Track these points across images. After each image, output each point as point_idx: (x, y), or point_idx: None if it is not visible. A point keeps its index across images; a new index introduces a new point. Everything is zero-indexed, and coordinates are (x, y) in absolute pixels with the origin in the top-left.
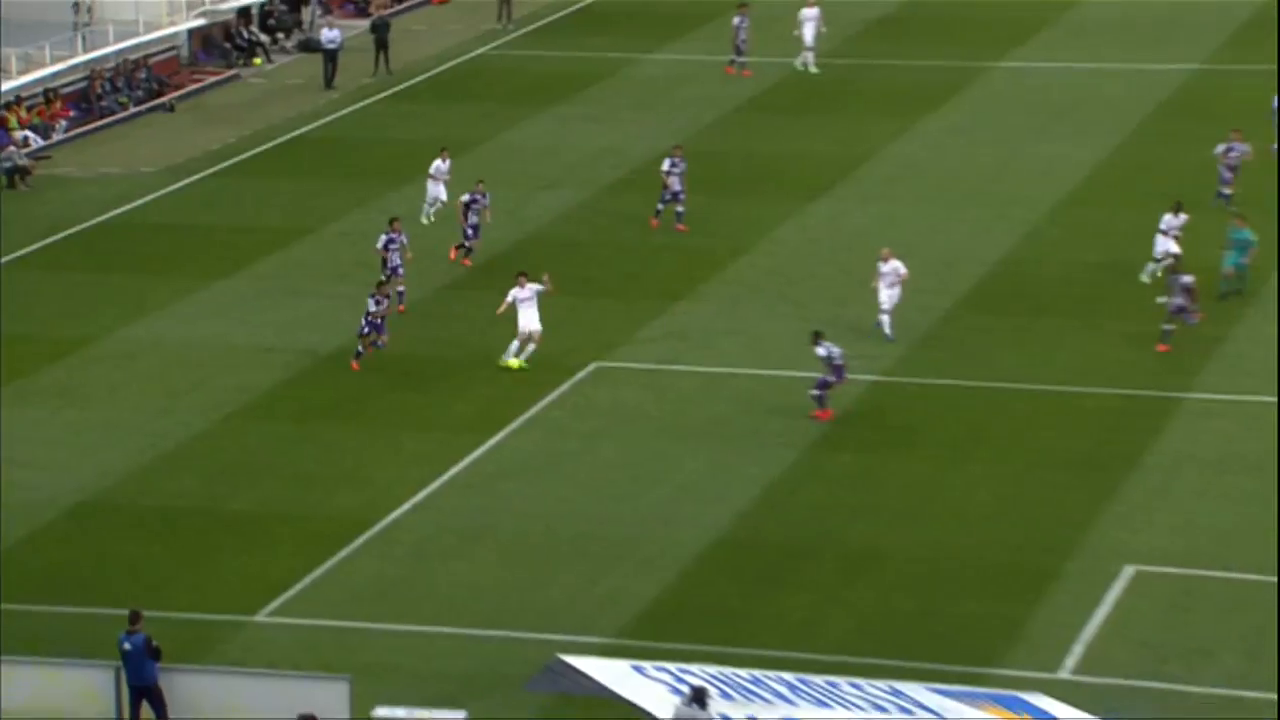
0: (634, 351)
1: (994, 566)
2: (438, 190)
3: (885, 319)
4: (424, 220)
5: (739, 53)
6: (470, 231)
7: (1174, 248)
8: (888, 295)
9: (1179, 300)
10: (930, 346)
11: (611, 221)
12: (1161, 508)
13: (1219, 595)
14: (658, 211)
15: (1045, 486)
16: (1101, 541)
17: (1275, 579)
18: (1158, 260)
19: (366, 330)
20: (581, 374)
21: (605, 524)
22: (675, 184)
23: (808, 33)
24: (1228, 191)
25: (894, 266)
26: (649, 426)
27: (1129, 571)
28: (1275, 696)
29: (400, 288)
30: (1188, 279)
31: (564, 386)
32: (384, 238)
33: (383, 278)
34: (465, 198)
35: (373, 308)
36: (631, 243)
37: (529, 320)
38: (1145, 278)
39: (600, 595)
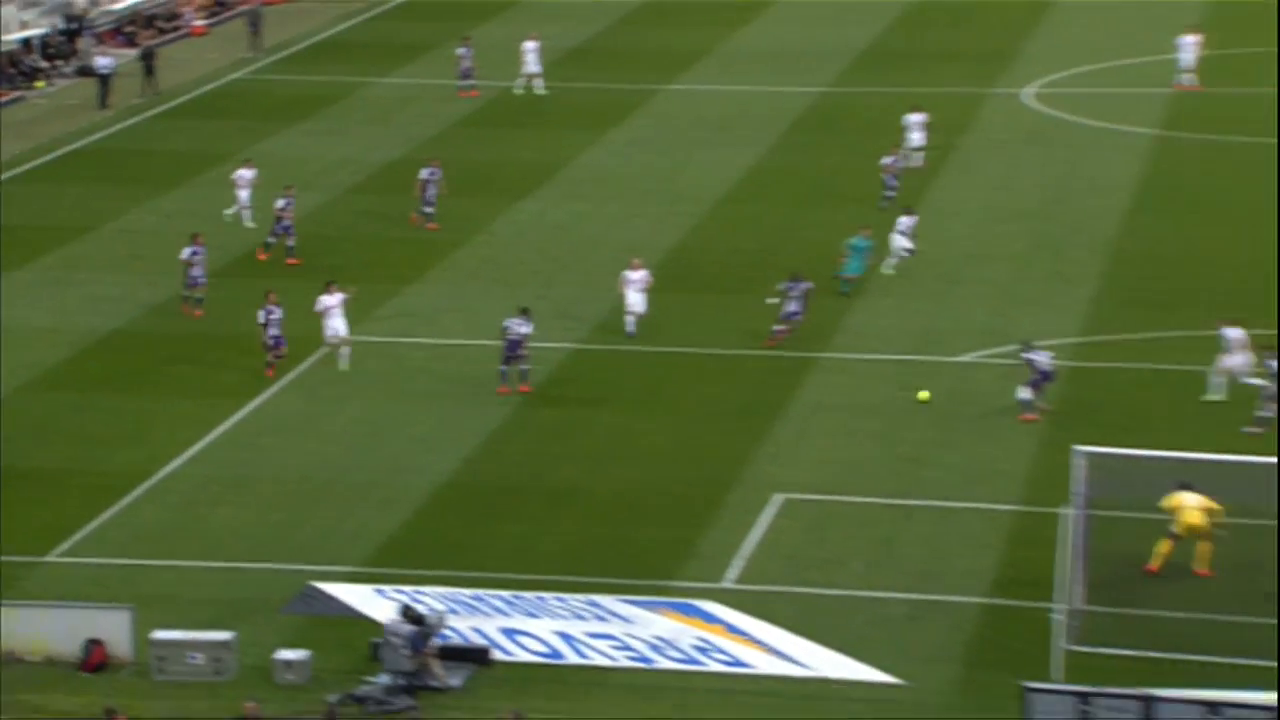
0: (373, 327)
1: (671, 499)
2: (244, 195)
3: (631, 319)
4: (247, 224)
5: (465, 78)
6: (281, 231)
7: (908, 243)
8: (636, 299)
9: (794, 307)
10: (616, 319)
11: (352, 219)
12: (803, 446)
13: (848, 516)
14: (421, 212)
15: (711, 432)
16: (756, 476)
17: (901, 501)
18: (899, 256)
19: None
20: (327, 347)
21: (350, 472)
22: (431, 191)
23: (530, 61)
24: (891, 195)
25: (642, 275)
26: (386, 390)
27: (778, 499)
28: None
29: (200, 295)
30: (806, 285)
31: (313, 358)
32: (188, 250)
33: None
34: (279, 203)
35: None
36: (368, 236)
37: (336, 327)
38: (888, 270)
39: (347, 532)
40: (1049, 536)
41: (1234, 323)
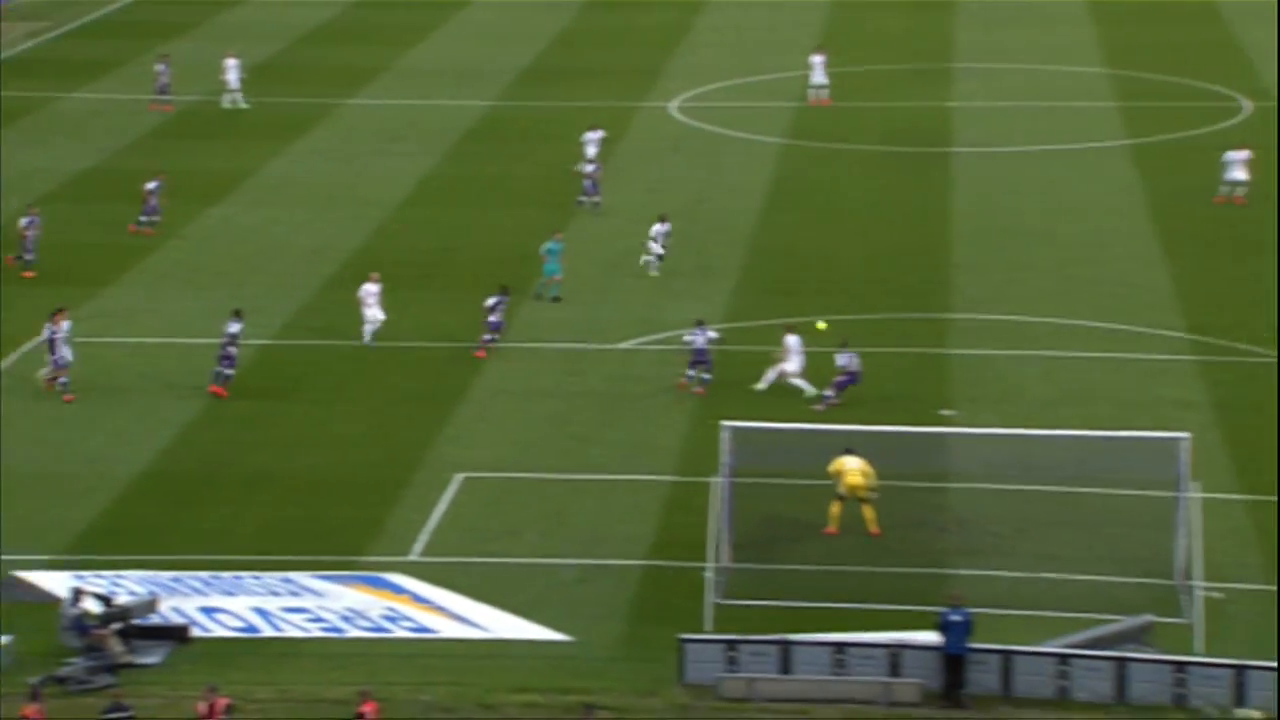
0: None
1: (360, 481)
2: None
3: (369, 329)
4: None
5: (162, 93)
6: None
7: (659, 249)
8: (373, 310)
9: (497, 318)
10: (305, 317)
11: (54, 226)
12: (482, 429)
13: (524, 491)
14: (139, 221)
15: (397, 418)
16: (439, 457)
17: (571, 476)
18: (654, 258)
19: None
20: (28, 345)
21: (49, 464)
22: (154, 200)
23: (231, 76)
24: (588, 200)
25: (379, 288)
26: (84, 387)
27: (459, 478)
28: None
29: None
30: (507, 297)
31: (18, 352)
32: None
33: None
34: (23, 220)
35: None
36: (66, 241)
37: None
38: (653, 271)
39: (46, 522)
40: (701, 504)
41: (791, 329)
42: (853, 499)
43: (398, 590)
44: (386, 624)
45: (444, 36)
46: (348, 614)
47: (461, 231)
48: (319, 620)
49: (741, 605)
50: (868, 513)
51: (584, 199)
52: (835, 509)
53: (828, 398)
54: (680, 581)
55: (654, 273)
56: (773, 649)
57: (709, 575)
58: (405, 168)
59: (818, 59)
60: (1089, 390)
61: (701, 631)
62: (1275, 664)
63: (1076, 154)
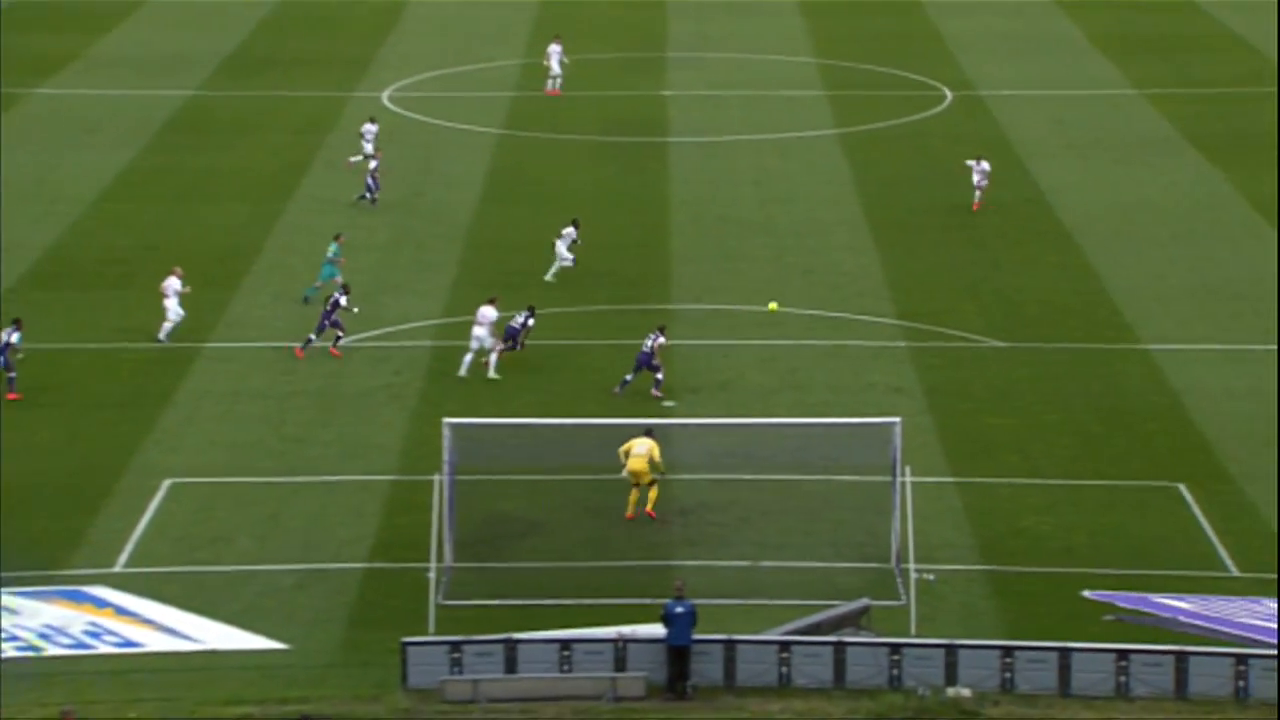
0: None
1: (59, 490)
2: None
3: (168, 326)
4: None
5: None
6: None
7: (566, 254)
8: (174, 306)
9: (334, 321)
10: None
11: None
12: (189, 432)
13: (236, 496)
14: None
15: (99, 424)
16: (145, 463)
17: (286, 478)
18: (561, 265)
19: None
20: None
21: None
22: None
23: None
24: (366, 195)
25: (174, 283)
26: None
27: (166, 484)
28: None
29: None
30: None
31: None
32: None
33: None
34: None
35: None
36: None
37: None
38: (549, 277)
39: None
40: (423, 503)
41: (491, 302)
42: (644, 484)
43: (100, 604)
44: (89, 640)
45: (139, 22)
46: (46, 631)
47: (163, 228)
48: (14, 639)
49: (465, 606)
50: (651, 494)
51: (366, 195)
52: (633, 495)
53: (626, 381)
54: (402, 583)
55: (550, 278)
56: (497, 649)
57: (431, 576)
58: (102, 161)
59: (554, 48)
60: (805, 378)
61: (424, 634)
62: (987, 643)
63: (789, 143)
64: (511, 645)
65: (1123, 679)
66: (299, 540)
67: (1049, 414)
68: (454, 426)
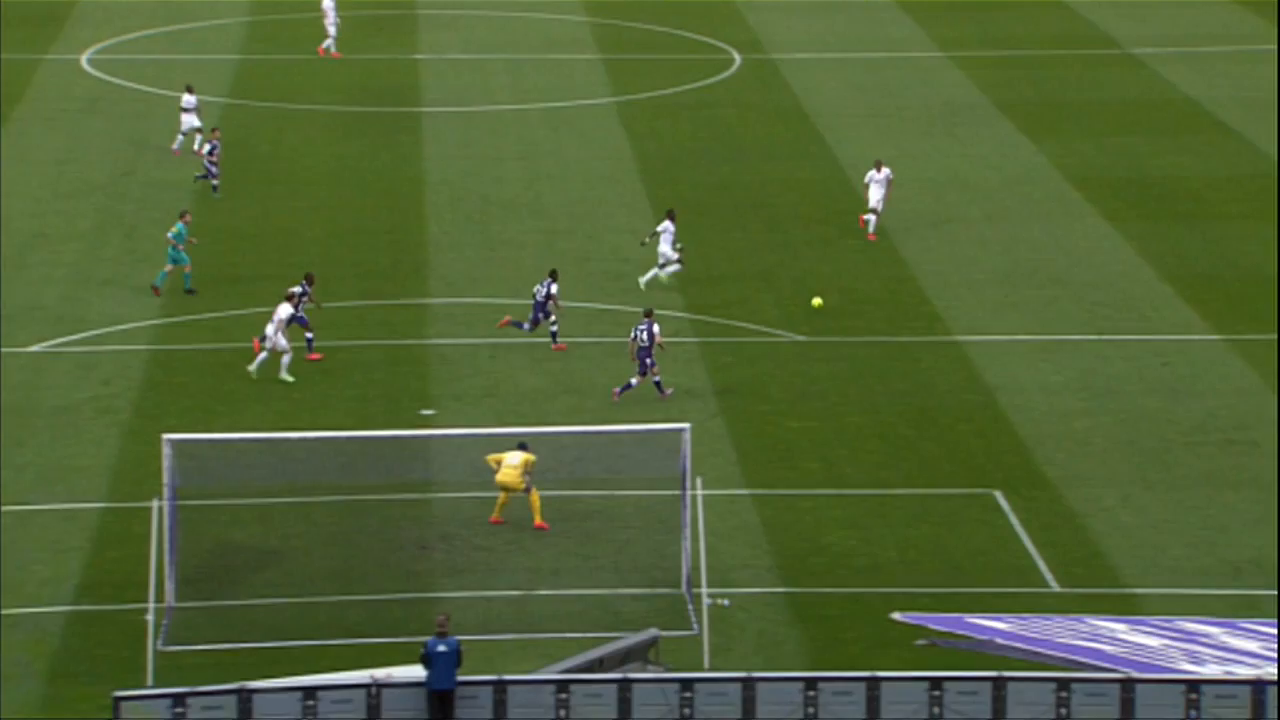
0: None
1: None
2: None
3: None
4: None
5: None
6: None
7: (672, 253)
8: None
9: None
10: None
11: None
12: None
13: None
14: None
15: None
16: None
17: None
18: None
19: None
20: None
21: None
22: None
23: None
24: (213, 181)
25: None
26: None
27: None
28: None
29: None
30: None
31: None
32: None
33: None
34: None
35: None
36: None
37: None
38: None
39: None
40: (139, 533)
41: (289, 299)
42: (517, 497)
43: None
44: None
45: None
46: None
47: None
48: None
49: (191, 651)
50: (534, 500)
51: (209, 178)
52: (502, 498)
53: (630, 384)
54: (114, 628)
55: (646, 283)
56: (229, 700)
57: (149, 618)
58: None
59: (328, 3)
60: (583, 380)
61: (142, 686)
62: (788, 674)
63: (559, 112)
64: (246, 696)
65: (936, 709)
66: None
67: (853, 416)
68: (175, 443)
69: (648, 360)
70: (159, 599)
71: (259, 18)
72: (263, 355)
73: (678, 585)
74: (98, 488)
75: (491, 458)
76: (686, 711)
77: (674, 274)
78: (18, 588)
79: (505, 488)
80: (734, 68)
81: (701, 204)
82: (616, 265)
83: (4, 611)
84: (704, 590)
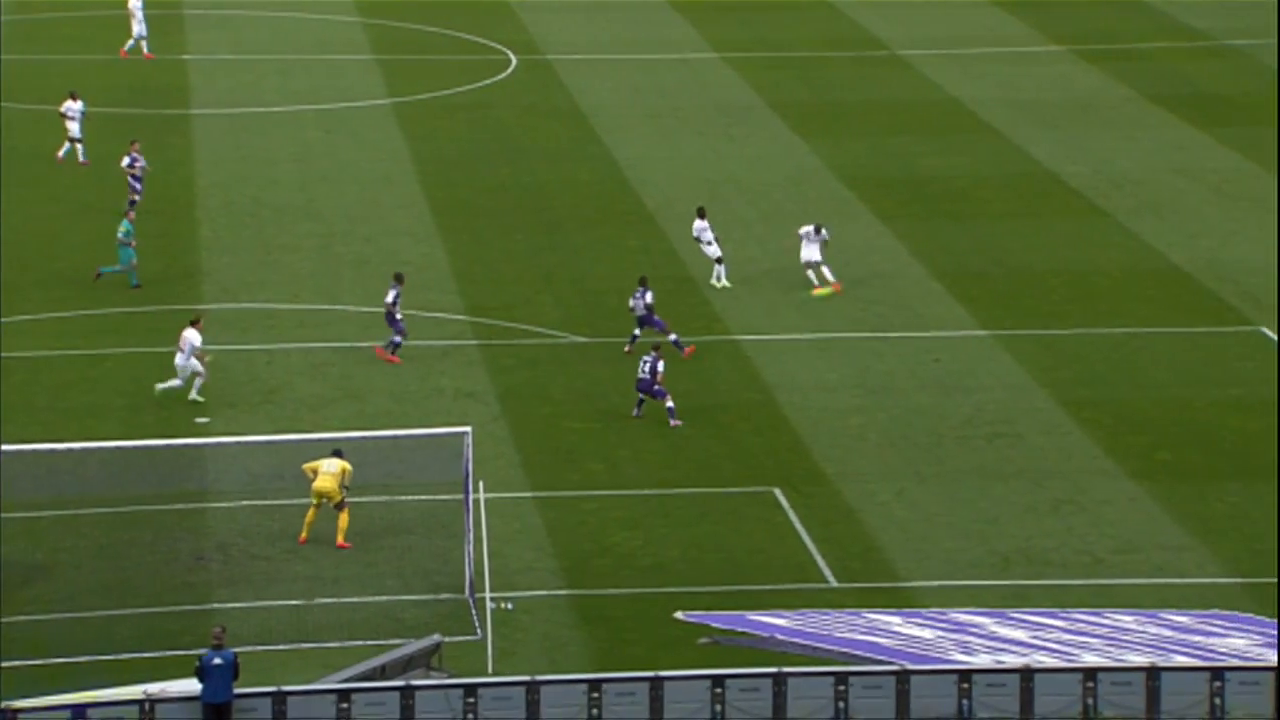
0: None
1: None
2: None
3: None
4: None
5: None
6: None
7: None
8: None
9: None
10: None
11: None
12: None
13: None
14: None
15: None
16: None
17: None
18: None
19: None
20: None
21: None
22: None
23: None
24: (136, 199)
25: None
26: None
27: None
28: None
29: None
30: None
31: None
32: None
33: None
34: None
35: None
36: None
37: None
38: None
39: None
40: None
41: (194, 324)
42: (327, 505)
43: None
44: None
45: None
46: None
47: None
48: None
49: None
50: (341, 521)
51: (135, 198)
52: (310, 515)
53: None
54: None
55: (724, 282)
56: None
57: None
58: None
59: (136, 3)
60: (362, 384)
61: None
62: (571, 677)
63: (334, 114)
64: (10, 716)
65: (719, 707)
66: None
67: (634, 417)
68: None
69: (655, 388)
70: None
71: (18, 17)
72: (177, 383)
73: (461, 590)
74: None
75: (307, 466)
76: (470, 717)
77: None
78: None
79: (322, 495)
80: (510, 69)
81: (480, 206)
82: (394, 268)
83: None
84: (488, 594)
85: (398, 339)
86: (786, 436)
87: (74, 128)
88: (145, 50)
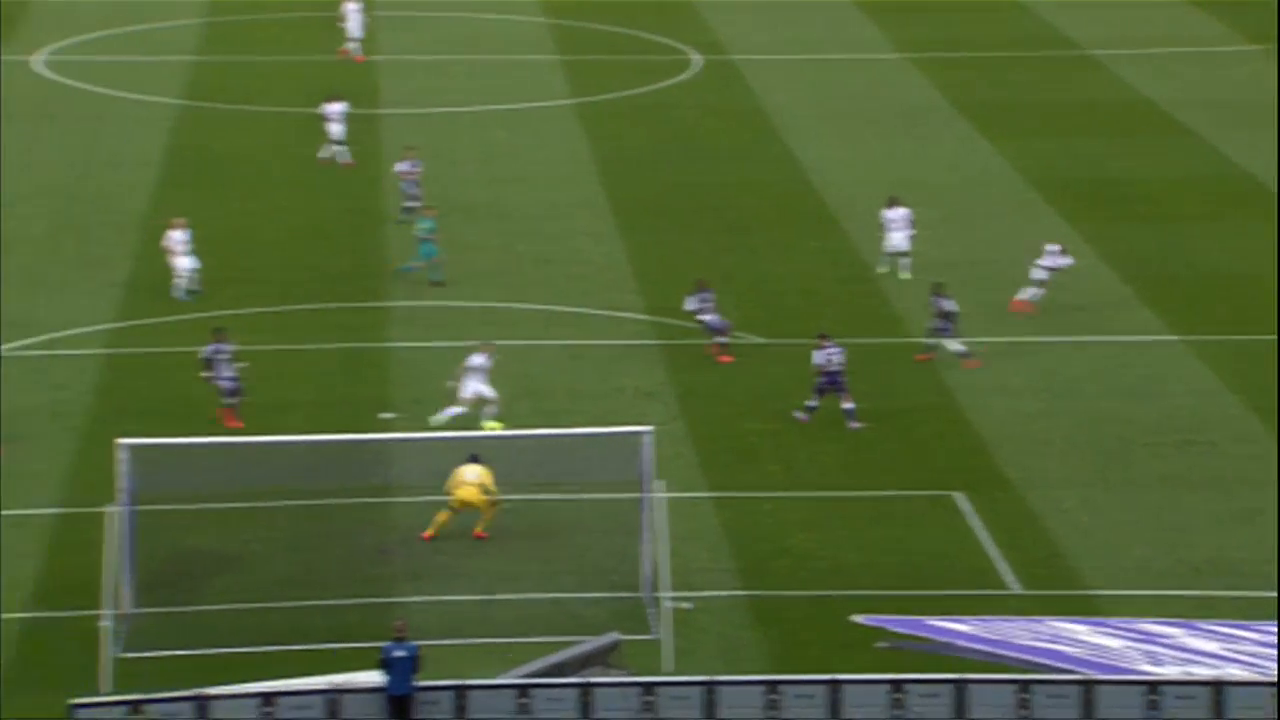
0: None
1: None
2: None
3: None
4: None
5: None
6: None
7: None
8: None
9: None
10: None
11: None
12: None
13: None
14: None
15: None
16: None
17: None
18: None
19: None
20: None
21: None
22: None
23: None
24: (413, 205)
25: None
26: None
27: None
28: None
29: None
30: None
31: None
32: None
33: None
34: None
35: None
36: None
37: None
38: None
39: None
40: (94, 539)
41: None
42: (467, 512)
43: None
44: None
45: None
46: None
47: None
48: None
49: (148, 657)
50: (488, 514)
51: (410, 204)
52: (443, 517)
53: (810, 406)
54: (69, 635)
55: (906, 274)
56: (187, 707)
57: (106, 624)
58: None
59: (353, 7)
60: (543, 383)
61: (98, 693)
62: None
63: (518, 114)
64: (204, 702)
65: (898, 711)
66: None
67: (807, 418)
68: (131, 448)
69: (838, 380)
70: (115, 605)
71: (216, 19)
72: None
73: (638, 589)
74: (51, 494)
75: (450, 484)
76: (648, 715)
77: (907, 264)
78: None
79: (467, 504)
80: (693, 69)
81: (661, 205)
82: (577, 268)
83: None
84: (665, 594)
85: (722, 339)
86: (968, 440)
87: (335, 129)
88: (356, 53)
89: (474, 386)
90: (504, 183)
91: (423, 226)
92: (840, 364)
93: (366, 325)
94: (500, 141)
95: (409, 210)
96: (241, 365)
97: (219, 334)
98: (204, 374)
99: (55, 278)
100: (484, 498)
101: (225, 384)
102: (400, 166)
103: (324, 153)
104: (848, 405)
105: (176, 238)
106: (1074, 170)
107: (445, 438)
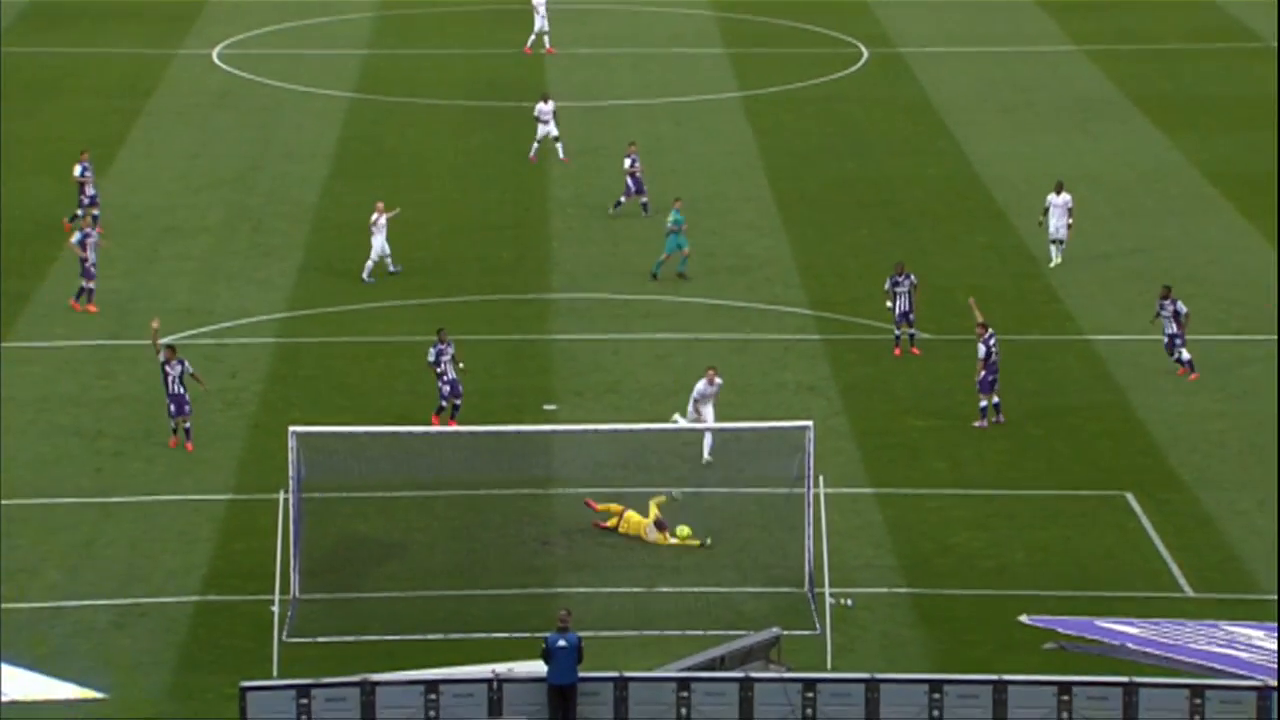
0: None
1: None
2: None
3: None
4: None
5: None
6: None
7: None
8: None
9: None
10: None
11: None
12: None
13: (43, 519)
14: None
15: None
16: None
17: (101, 499)
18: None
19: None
20: None
21: None
22: None
23: None
24: (643, 200)
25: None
26: None
27: None
28: None
29: None
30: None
31: None
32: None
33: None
34: None
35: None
36: None
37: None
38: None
39: None
40: (264, 526)
41: (710, 373)
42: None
43: None
44: None
45: None
46: None
47: None
48: None
49: (315, 642)
50: (653, 512)
51: (625, 199)
52: (617, 506)
53: (983, 409)
54: (240, 619)
55: (1057, 260)
56: (353, 692)
57: (275, 610)
58: None
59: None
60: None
61: (267, 677)
62: (912, 676)
63: (684, 107)
64: (369, 688)
65: (1065, 715)
66: (118, 570)
67: (979, 415)
68: (301, 436)
69: (990, 378)
70: (284, 591)
71: (386, 13)
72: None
73: (800, 584)
74: (224, 480)
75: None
76: (809, 712)
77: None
78: (146, 578)
79: (632, 528)
80: (861, 62)
81: (826, 200)
82: (740, 262)
83: (134, 600)
84: (826, 590)
85: (911, 331)
86: (1140, 440)
87: (545, 129)
88: (547, 45)
89: (707, 412)
90: (668, 176)
91: (672, 218)
92: (998, 355)
93: (530, 317)
94: (665, 135)
95: (645, 206)
96: (461, 369)
97: (442, 334)
98: (436, 373)
99: (229, 267)
100: (648, 523)
101: (444, 387)
102: (627, 162)
103: (533, 152)
104: (995, 400)
105: (379, 221)
106: (1254, 165)
107: (608, 430)
